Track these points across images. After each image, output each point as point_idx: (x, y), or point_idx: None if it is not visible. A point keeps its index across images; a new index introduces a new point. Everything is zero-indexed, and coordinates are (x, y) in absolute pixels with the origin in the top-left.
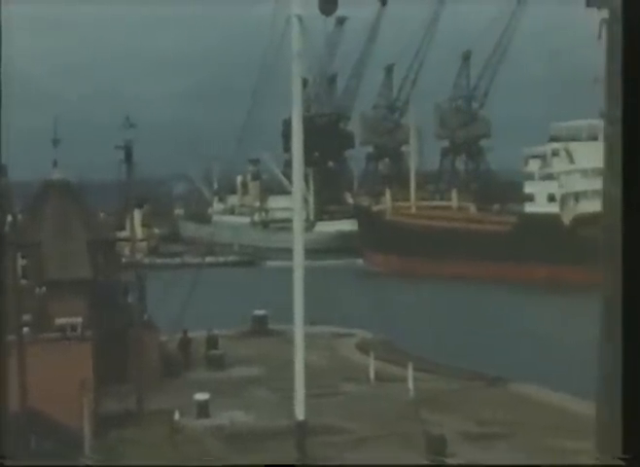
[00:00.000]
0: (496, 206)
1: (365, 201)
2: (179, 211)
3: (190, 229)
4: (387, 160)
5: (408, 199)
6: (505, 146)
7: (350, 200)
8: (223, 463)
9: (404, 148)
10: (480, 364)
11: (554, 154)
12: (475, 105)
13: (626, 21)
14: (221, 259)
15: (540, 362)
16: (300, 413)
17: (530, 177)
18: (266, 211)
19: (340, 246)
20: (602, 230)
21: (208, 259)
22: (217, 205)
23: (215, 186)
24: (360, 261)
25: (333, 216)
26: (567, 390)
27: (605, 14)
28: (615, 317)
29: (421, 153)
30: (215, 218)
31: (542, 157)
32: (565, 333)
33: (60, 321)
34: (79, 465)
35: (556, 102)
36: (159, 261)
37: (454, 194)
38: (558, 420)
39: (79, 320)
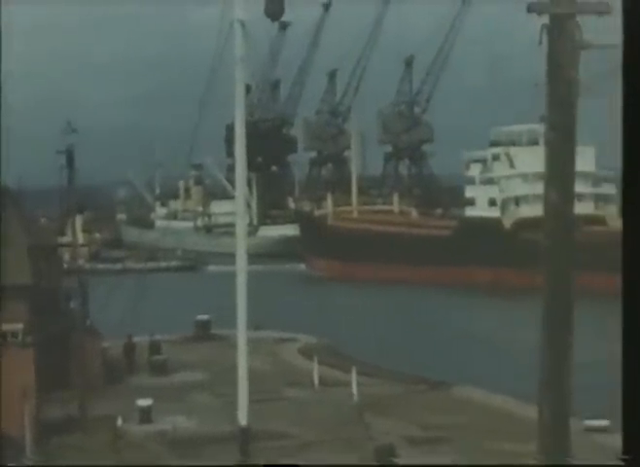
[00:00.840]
0: (439, 211)
1: (307, 206)
2: (121, 216)
3: (132, 234)
4: (330, 165)
5: (350, 204)
6: (447, 151)
7: (292, 205)
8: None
9: (347, 153)
10: (423, 368)
11: (495, 158)
12: (417, 110)
13: (627, 22)
14: (163, 264)
15: (482, 365)
16: (242, 419)
17: (471, 182)
18: (209, 216)
19: (284, 251)
20: (543, 233)
21: (150, 264)
22: (159, 210)
23: (157, 191)
24: (303, 265)
25: (276, 221)
26: (510, 393)
27: (546, 19)
28: (555, 320)
29: (364, 158)
30: (158, 223)
31: (483, 161)
32: (507, 336)
33: (1, 328)
34: (80, 465)
35: (498, 107)
36: (100, 266)
37: (396, 198)
38: (501, 423)
39: (20, 326)
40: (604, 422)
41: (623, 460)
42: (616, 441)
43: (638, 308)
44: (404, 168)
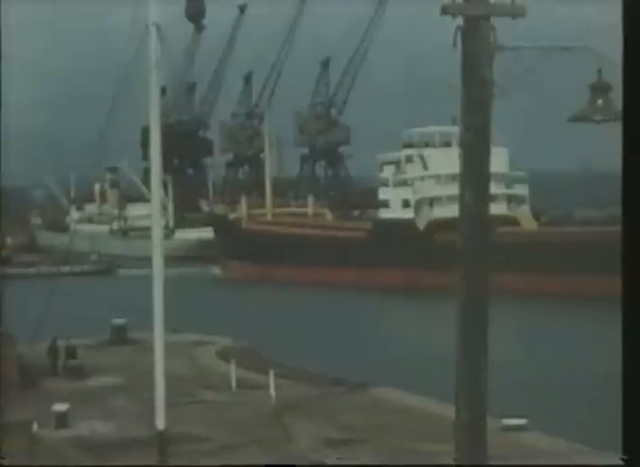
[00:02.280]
0: (356, 212)
1: (221, 209)
2: (36, 220)
3: (47, 238)
4: (247, 167)
5: (265, 207)
6: (364, 152)
7: (206, 208)
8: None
9: (263, 155)
10: (341, 369)
11: (408, 160)
12: (334, 112)
13: (627, 22)
14: (77, 268)
15: (400, 366)
16: (160, 423)
17: (385, 183)
18: (125, 219)
19: (200, 254)
20: (458, 234)
21: (64, 268)
22: (75, 214)
23: (73, 194)
24: (218, 268)
25: (192, 224)
26: (428, 393)
27: (460, 21)
28: (470, 320)
29: (281, 160)
30: (73, 227)
31: (396, 163)
32: (423, 336)
33: None
34: (81, 465)
35: (414, 108)
36: (13, 271)
37: (310, 200)
38: (420, 423)
39: None
40: (522, 421)
41: (623, 460)
42: (533, 439)
43: (638, 309)
44: (320, 170)
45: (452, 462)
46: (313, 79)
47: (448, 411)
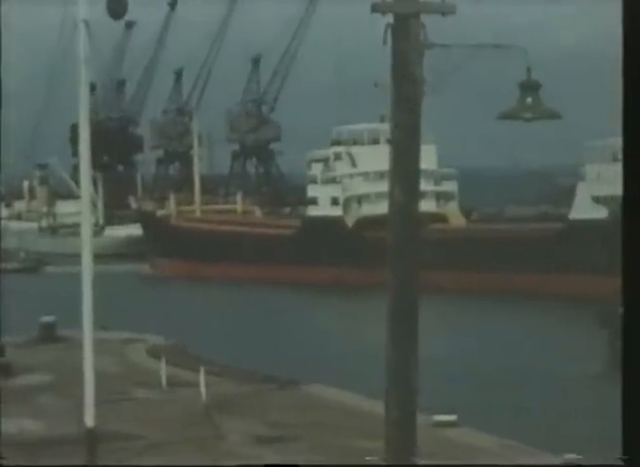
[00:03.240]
0: (287, 210)
1: (149, 206)
2: None
3: None
4: (177, 164)
5: (194, 203)
6: (296, 149)
7: (134, 205)
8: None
9: (193, 152)
10: (271, 366)
11: (337, 157)
12: (265, 109)
13: (627, 22)
14: (4, 265)
15: (330, 363)
16: (89, 420)
17: (313, 181)
18: (54, 216)
19: (130, 251)
20: (388, 231)
21: None
22: (3, 211)
23: (1, 191)
24: (148, 266)
25: (123, 221)
26: (359, 390)
27: (390, 19)
28: (400, 317)
29: (212, 157)
30: (1, 224)
31: (325, 160)
32: (353, 334)
33: None
34: (82, 465)
35: (344, 106)
36: None
37: (239, 197)
38: (351, 420)
39: None
40: (452, 417)
41: (623, 460)
42: (464, 435)
43: (638, 309)
44: (251, 167)
45: (381, 460)
46: (245, 77)
47: (381, 408)
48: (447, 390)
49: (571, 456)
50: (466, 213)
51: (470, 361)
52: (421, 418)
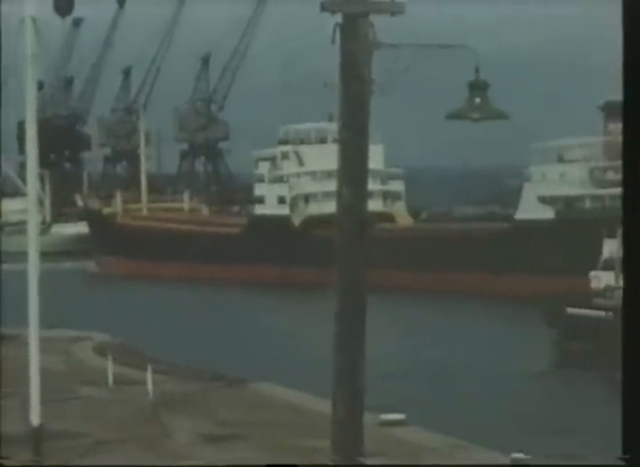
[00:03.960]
0: (235, 208)
1: (95, 204)
2: None
3: None
4: (125, 162)
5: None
6: (244, 148)
7: (80, 203)
8: None
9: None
10: (219, 364)
11: (284, 157)
12: (214, 108)
13: (627, 22)
14: None
15: (279, 362)
16: (35, 419)
17: (261, 179)
18: (0, 214)
19: (77, 249)
20: (336, 231)
21: None
22: None
23: None
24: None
25: (70, 218)
26: (307, 389)
27: (339, 18)
28: (347, 316)
29: (160, 155)
30: None
31: (272, 159)
32: (300, 333)
33: None
34: (82, 466)
35: (293, 105)
36: None
37: (186, 196)
38: (299, 419)
39: None
40: (399, 416)
41: (623, 460)
42: (411, 434)
43: (638, 309)
44: (200, 166)
45: (330, 461)
46: (194, 75)
47: (328, 407)
48: (390, 389)
49: (518, 456)
50: (415, 213)
51: (415, 360)
52: (368, 417)
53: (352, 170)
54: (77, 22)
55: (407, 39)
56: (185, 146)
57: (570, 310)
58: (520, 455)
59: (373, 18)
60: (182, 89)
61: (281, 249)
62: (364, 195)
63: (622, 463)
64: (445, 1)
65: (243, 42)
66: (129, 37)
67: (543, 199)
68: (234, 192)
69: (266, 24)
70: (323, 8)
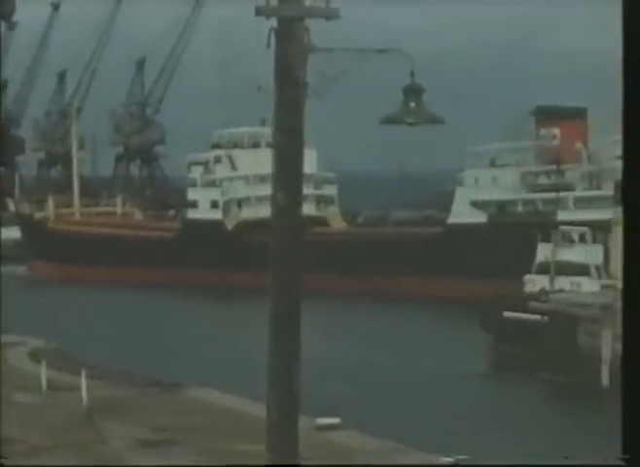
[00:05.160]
0: (171, 212)
1: (26, 208)
2: None
3: None
4: (60, 166)
5: (81, 206)
6: (180, 152)
7: (12, 207)
8: None
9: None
10: (156, 370)
11: (217, 161)
12: (149, 111)
13: (627, 22)
14: None
15: (215, 366)
16: None
17: (194, 184)
18: None
19: (10, 253)
20: (271, 235)
21: None
22: None
23: None
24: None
25: (4, 222)
26: (244, 394)
27: (274, 22)
28: (282, 320)
29: (96, 159)
30: None
31: (205, 163)
32: (235, 336)
33: None
34: (84, 466)
35: (228, 109)
36: None
37: (119, 200)
38: (236, 424)
39: None
40: (335, 420)
41: (623, 460)
42: (346, 438)
43: (638, 309)
44: (135, 170)
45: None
46: (128, 78)
47: (264, 411)
48: (326, 392)
49: (462, 457)
50: (351, 217)
51: (349, 363)
52: (304, 421)
53: (287, 174)
54: (11, 25)
55: (343, 43)
56: (120, 149)
57: (506, 314)
58: (463, 457)
59: (309, 23)
60: (119, 92)
61: (214, 254)
62: (299, 199)
63: (623, 463)
64: (383, 6)
65: (179, 44)
66: (65, 39)
67: (475, 204)
68: (169, 196)
69: (201, 27)
70: (258, 12)
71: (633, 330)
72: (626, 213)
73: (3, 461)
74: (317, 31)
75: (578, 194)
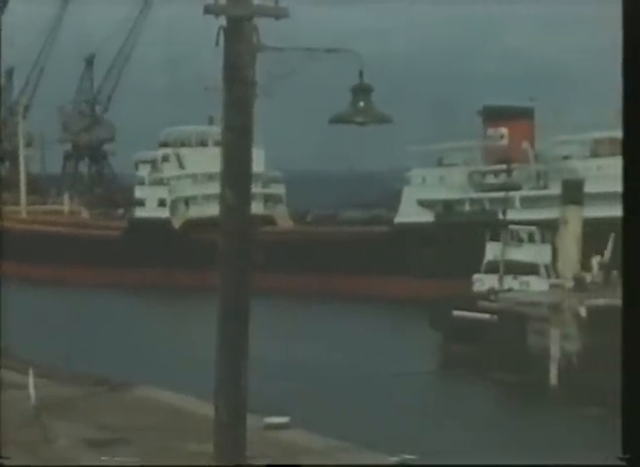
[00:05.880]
0: (120, 211)
1: None
2: None
3: None
4: (7, 163)
5: (28, 204)
6: (129, 150)
7: None
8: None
9: (26, 152)
10: (104, 368)
11: (165, 159)
12: (99, 109)
13: (627, 22)
14: None
15: (162, 365)
16: None
17: (141, 182)
18: None
19: None
20: (220, 234)
21: None
22: None
23: None
24: None
25: None
26: (192, 393)
27: (223, 21)
28: (230, 319)
29: (44, 157)
30: None
31: (152, 162)
32: (182, 334)
33: None
34: (85, 466)
35: (176, 108)
36: None
37: (66, 198)
38: (184, 423)
39: None
40: (284, 419)
41: (623, 460)
42: (295, 437)
43: (638, 309)
44: (84, 168)
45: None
46: (77, 75)
47: (212, 410)
48: (274, 391)
49: (409, 457)
50: (299, 216)
51: (297, 362)
52: (252, 420)
53: (235, 173)
54: None
55: (292, 43)
56: (69, 147)
57: (455, 313)
58: (411, 457)
59: (258, 22)
60: (68, 90)
61: (162, 252)
62: (247, 197)
63: (623, 463)
64: (334, 5)
65: (128, 42)
66: (12, 37)
67: (422, 203)
68: (117, 194)
69: (151, 25)
70: (207, 11)
71: (633, 330)
72: (626, 213)
73: (3, 461)
74: (266, 30)
75: (524, 193)
